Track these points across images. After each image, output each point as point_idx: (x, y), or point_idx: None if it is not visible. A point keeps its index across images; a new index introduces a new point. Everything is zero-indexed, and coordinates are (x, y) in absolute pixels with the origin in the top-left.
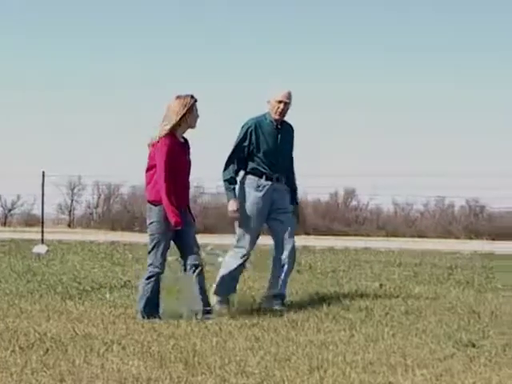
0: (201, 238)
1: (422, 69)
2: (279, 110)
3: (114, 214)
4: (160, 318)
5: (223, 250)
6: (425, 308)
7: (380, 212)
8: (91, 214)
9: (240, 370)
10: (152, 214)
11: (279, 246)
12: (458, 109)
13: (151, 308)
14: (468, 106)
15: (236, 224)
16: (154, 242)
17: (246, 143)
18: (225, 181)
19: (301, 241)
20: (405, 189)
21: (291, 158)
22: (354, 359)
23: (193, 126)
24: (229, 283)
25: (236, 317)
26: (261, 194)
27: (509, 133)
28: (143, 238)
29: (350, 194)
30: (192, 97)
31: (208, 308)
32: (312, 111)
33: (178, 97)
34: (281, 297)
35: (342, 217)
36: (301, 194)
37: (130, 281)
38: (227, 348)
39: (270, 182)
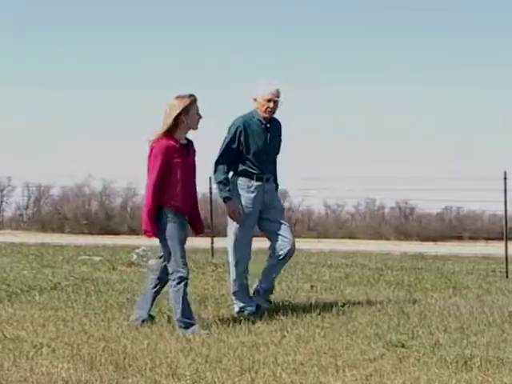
0: (130, 240)
1: (360, 68)
2: (269, 108)
3: (44, 215)
4: (195, 323)
5: (153, 252)
6: (355, 309)
7: (311, 213)
8: (21, 215)
9: (171, 371)
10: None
11: (276, 243)
12: (388, 111)
13: (188, 315)
14: (399, 107)
15: (230, 228)
16: (168, 246)
17: (235, 144)
18: (218, 183)
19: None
20: (336, 190)
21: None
22: (285, 360)
23: (193, 128)
24: (243, 289)
25: (168, 318)
26: (252, 195)
27: (438, 136)
28: (74, 240)
29: (282, 195)
30: (190, 96)
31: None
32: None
33: (176, 96)
34: (270, 291)
35: None
36: None
37: (59, 283)
38: (158, 350)
39: (260, 183)
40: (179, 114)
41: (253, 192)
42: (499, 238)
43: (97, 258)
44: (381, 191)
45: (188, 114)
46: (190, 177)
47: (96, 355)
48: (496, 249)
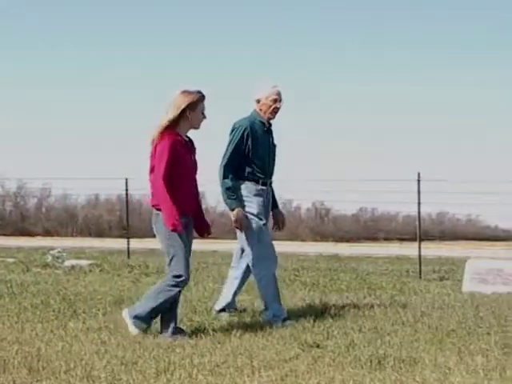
0: (45, 242)
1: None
2: (276, 109)
3: None
4: (181, 332)
5: (68, 253)
6: None
7: (229, 215)
8: None
9: (86, 374)
10: (159, 219)
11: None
12: (301, 110)
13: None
14: (312, 107)
15: (243, 237)
16: (172, 250)
17: (243, 147)
18: (227, 189)
19: (147, 244)
20: None
21: None
22: (201, 361)
23: (196, 127)
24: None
25: (84, 320)
26: (261, 198)
27: (353, 137)
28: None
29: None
30: (198, 93)
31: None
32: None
33: (184, 91)
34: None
35: None
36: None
37: None
38: (73, 352)
39: (265, 188)
40: (185, 109)
41: (261, 196)
42: (413, 239)
43: (11, 260)
44: (297, 192)
45: (194, 111)
46: (193, 175)
47: (9, 358)
48: (410, 249)
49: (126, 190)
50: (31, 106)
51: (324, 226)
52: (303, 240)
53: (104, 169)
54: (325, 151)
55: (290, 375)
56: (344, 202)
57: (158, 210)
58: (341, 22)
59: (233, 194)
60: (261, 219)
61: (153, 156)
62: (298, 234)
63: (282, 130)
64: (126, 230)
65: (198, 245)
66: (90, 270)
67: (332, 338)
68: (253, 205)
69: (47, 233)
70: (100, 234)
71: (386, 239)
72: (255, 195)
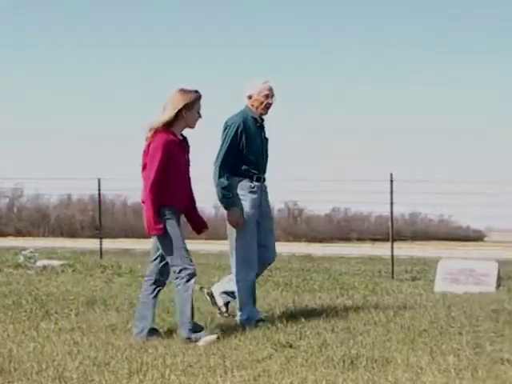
0: (16, 242)
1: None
2: (268, 104)
3: None
4: (203, 328)
5: (40, 253)
6: None
7: (202, 214)
8: None
9: (58, 375)
10: None
11: (263, 247)
12: (278, 112)
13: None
14: (283, 106)
15: (233, 234)
16: (172, 245)
17: (237, 144)
18: (223, 188)
19: (120, 244)
20: None
21: None
22: (174, 362)
23: (191, 126)
24: (252, 299)
25: (56, 321)
26: (255, 196)
27: (325, 137)
28: None
29: None
30: (195, 92)
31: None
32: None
33: (181, 90)
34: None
35: None
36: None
37: None
38: (45, 353)
39: (259, 184)
40: (182, 109)
41: (255, 193)
42: (385, 239)
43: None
44: (270, 192)
45: (190, 111)
46: (187, 174)
47: None
48: (382, 250)
49: (99, 190)
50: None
51: (297, 227)
52: (276, 240)
53: (77, 169)
54: (324, 151)
55: (263, 375)
56: (317, 202)
57: None
58: (341, 22)
59: (229, 194)
60: (253, 219)
61: (146, 153)
62: None
63: (278, 129)
64: (99, 230)
65: None
66: (63, 271)
67: (305, 338)
68: (246, 203)
69: (19, 233)
70: (72, 234)
71: (359, 239)
72: (250, 192)
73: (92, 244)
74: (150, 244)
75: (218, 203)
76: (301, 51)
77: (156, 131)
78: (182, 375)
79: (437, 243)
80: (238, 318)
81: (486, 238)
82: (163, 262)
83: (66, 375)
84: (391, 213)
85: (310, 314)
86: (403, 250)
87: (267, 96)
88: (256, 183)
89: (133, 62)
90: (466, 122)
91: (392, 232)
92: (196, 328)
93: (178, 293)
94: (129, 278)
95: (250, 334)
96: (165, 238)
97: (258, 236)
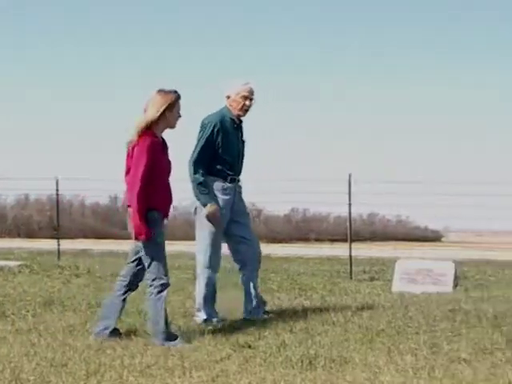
0: None
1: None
2: (245, 106)
3: None
4: (178, 337)
5: None
6: None
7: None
8: None
9: (14, 377)
10: None
11: (243, 249)
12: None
13: (168, 327)
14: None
15: (201, 232)
16: (154, 252)
17: (212, 143)
18: (198, 184)
19: (78, 244)
20: (184, 193)
21: None
22: (132, 363)
23: (172, 126)
24: (211, 299)
25: (12, 322)
26: (227, 197)
27: (282, 136)
28: None
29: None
30: (175, 92)
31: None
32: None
33: (160, 91)
34: (263, 303)
35: (121, 220)
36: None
37: None
38: (1, 354)
39: (233, 185)
40: (165, 110)
41: (228, 194)
42: (344, 240)
43: None
44: None
45: (171, 111)
46: (168, 175)
47: None
48: (341, 250)
49: (57, 190)
50: None
51: (255, 227)
52: None
53: (34, 168)
54: (258, 151)
55: (221, 375)
56: (276, 202)
57: None
58: (341, 22)
59: (205, 189)
60: (223, 220)
61: (130, 157)
62: None
63: (274, 129)
64: (57, 231)
65: (130, 246)
66: (20, 271)
67: (263, 339)
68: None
69: None
70: (30, 234)
71: (318, 240)
72: (222, 193)
73: (49, 244)
74: (108, 245)
75: (175, 204)
76: (301, 51)
77: (140, 134)
78: (140, 376)
79: (395, 243)
80: (196, 319)
81: (443, 239)
82: (140, 266)
83: (23, 377)
84: (349, 213)
85: (269, 314)
86: (362, 250)
87: (245, 98)
88: (229, 184)
89: (133, 61)
90: (463, 121)
91: (350, 232)
92: (170, 337)
93: (150, 302)
94: (87, 278)
95: (209, 334)
96: (149, 245)
97: (240, 232)
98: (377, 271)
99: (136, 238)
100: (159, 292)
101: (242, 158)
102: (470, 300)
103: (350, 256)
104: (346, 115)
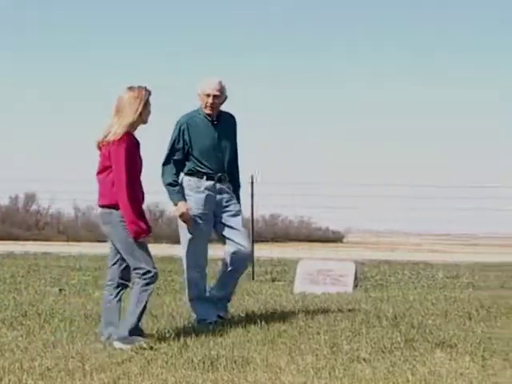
0: None
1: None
2: (208, 104)
3: None
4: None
5: None
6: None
7: (61, 217)
8: None
9: None
10: (113, 219)
11: (230, 250)
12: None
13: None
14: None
15: (182, 232)
16: (138, 247)
17: (180, 143)
18: (167, 185)
19: None
20: (87, 194)
21: (235, 153)
22: (32, 366)
23: (146, 122)
24: (201, 299)
25: None
26: (203, 195)
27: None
28: None
29: (31, 198)
30: (146, 89)
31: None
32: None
33: (131, 88)
34: (227, 299)
35: (22, 221)
36: None
37: None
38: None
39: (211, 183)
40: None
41: (203, 192)
42: None
43: None
44: None
45: (145, 108)
46: (140, 173)
47: None
48: None
49: None
50: None
51: (158, 228)
52: None
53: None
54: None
55: (123, 378)
56: None
57: (110, 208)
58: (341, 22)
59: (174, 189)
60: (197, 220)
61: (105, 157)
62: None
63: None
64: None
65: (30, 247)
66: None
67: (165, 340)
68: (191, 203)
69: None
70: None
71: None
72: (196, 192)
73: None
74: (6, 246)
75: (78, 204)
76: (301, 51)
77: (117, 134)
78: (40, 379)
79: (297, 244)
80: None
81: (344, 239)
82: (123, 265)
83: None
84: (252, 214)
85: (171, 315)
86: (264, 251)
87: (208, 95)
88: (206, 182)
89: (133, 61)
90: (372, 122)
91: (252, 234)
92: (135, 332)
93: (134, 290)
94: None
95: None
96: (128, 243)
97: (228, 233)
98: (279, 272)
99: (136, 238)
100: (148, 284)
101: (225, 156)
102: (370, 300)
103: (253, 257)
104: (248, 115)
